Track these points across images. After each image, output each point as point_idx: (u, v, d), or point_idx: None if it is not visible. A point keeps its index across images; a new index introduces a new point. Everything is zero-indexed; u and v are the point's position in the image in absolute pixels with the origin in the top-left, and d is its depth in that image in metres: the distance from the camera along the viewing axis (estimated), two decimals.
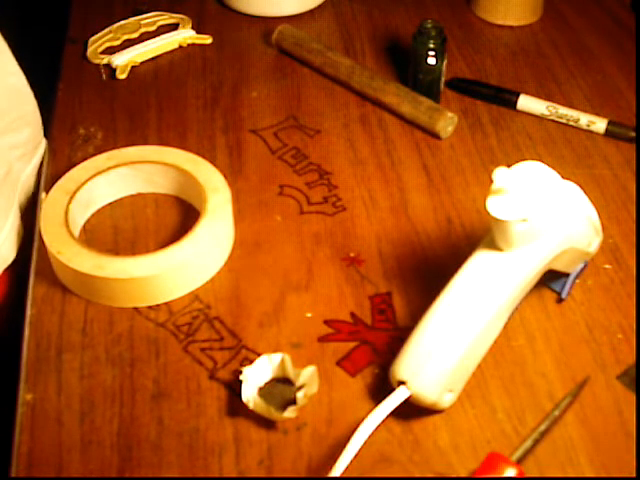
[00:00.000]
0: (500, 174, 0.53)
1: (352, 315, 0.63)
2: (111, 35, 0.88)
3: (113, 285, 0.61)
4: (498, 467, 0.51)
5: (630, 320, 0.62)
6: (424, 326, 0.54)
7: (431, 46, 0.78)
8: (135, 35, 0.88)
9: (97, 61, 0.85)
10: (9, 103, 0.70)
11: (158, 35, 0.88)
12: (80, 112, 0.80)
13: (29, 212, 0.72)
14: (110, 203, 0.71)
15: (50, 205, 0.66)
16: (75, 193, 0.67)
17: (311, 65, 0.85)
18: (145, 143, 0.75)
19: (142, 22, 0.90)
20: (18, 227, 0.70)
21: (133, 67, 0.84)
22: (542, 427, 0.55)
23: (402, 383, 0.54)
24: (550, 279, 0.62)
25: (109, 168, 0.69)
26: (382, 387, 0.57)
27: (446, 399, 0.54)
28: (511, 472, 0.51)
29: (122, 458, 0.54)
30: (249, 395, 0.56)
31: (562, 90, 0.83)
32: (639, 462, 0.54)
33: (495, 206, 0.53)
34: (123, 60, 0.84)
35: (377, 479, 0.53)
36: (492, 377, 0.58)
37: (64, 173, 0.69)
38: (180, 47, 0.88)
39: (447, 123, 0.76)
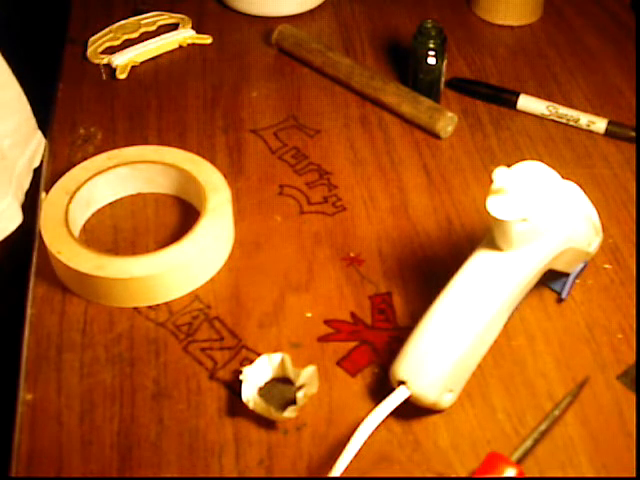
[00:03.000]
0: (500, 174, 0.53)
1: (352, 315, 0.63)
2: (111, 35, 0.88)
3: (113, 285, 0.61)
4: (498, 467, 0.51)
5: (630, 320, 0.62)
6: (424, 326, 0.54)
7: (431, 46, 0.78)
8: (135, 35, 0.88)
9: (97, 61, 0.85)
10: None
11: (158, 35, 0.88)
12: (80, 112, 0.80)
13: (24, 210, 0.72)
14: (110, 203, 0.71)
15: (50, 205, 0.66)
16: (75, 193, 0.67)
17: (311, 65, 0.85)
18: (145, 143, 0.75)
19: (142, 22, 0.90)
20: (11, 215, 0.70)
21: (133, 67, 0.84)
22: (542, 427, 0.55)
23: (402, 383, 0.54)
24: (550, 279, 0.62)
25: (109, 168, 0.69)
26: (382, 387, 0.57)
27: (446, 399, 0.54)
28: (511, 472, 0.51)
29: (122, 458, 0.54)
30: (249, 395, 0.56)
31: (562, 90, 0.83)
32: (639, 462, 0.54)
33: (495, 206, 0.53)
34: (123, 60, 0.84)
35: (377, 479, 0.53)
36: (492, 377, 0.58)
37: (64, 173, 0.69)
38: (180, 47, 0.88)
39: (447, 123, 0.76)
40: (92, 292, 0.63)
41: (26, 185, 0.74)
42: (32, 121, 0.75)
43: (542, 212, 0.54)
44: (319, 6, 0.93)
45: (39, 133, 0.76)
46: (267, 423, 0.56)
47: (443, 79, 0.80)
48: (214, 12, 0.93)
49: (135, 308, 0.63)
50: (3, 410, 0.59)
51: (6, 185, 0.70)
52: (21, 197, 0.73)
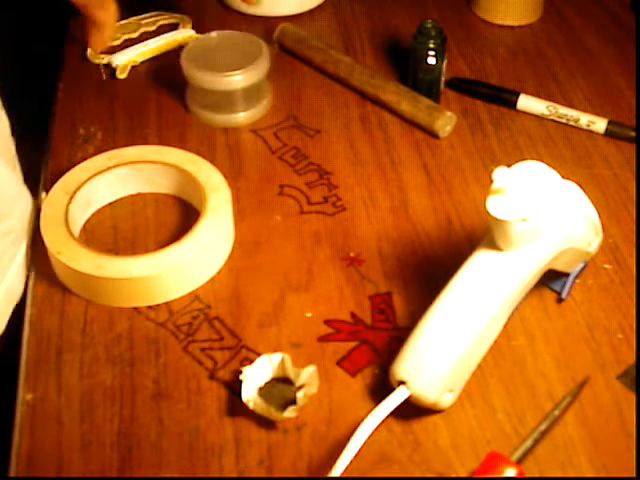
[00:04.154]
0: (500, 174, 0.53)
1: (352, 315, 0.63)
2: None
3: (113, 285, 0.61)
4: (498, 467, 0.51)
5: (630, 320, 0.62)
6: (424, 326, 0.54)
7: (431, 46, 0.78)
8: (135, 35, 0.88)
9: (97, 61, 0.85)
10: None
11: (158, 35, 0.88)
12: (80, 112, 0.80)
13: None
14: (110, 203, 0.71)
15: (50, 205, 0.66)
16: (75, 193, 0.67)
17: (312, 62, 0.85)
18: (145, 143, 0.75)
19: (142, 22, 0.90)
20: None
21: (133, 67, 0.84)
22: (542, 427, 0.55)
23: (402, 383, 0.54)
24: (550, 279, 0.62)
25: (109, 168, 0.69)
26: (382, 387, 0.57)
27: (446, 399, 0.54)
28: (511, 472, 0.51)
29: (122, 458, 0.54)
30: (249, 395, 0.56)
31: (562, 90, 0.83)
32: (639, 462, 0.54)
33: (495, 206, 0.53)
34: (123, 60, 0.84)
35: (377, 479, 0.53)
36: (492, 377, 0.58)
37: (64, 173, 0.69)
38: (180, 47, 0.88)
39: (446, 122, 0.76)
40: (92, 292, 0.63)
41: (22, 275, 0.67)
42: (29, 203, 0.69)
43: (542, 212, 0.54)
44: (319, 6, 0.93)
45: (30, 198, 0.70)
46: (267, 423, 0.56)
47: (443, 79, 0.80)
48: (214, 12, 0.93)
49: (135, 308, 0.63)
50: (3, 410, 0.59)
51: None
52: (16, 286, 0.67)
